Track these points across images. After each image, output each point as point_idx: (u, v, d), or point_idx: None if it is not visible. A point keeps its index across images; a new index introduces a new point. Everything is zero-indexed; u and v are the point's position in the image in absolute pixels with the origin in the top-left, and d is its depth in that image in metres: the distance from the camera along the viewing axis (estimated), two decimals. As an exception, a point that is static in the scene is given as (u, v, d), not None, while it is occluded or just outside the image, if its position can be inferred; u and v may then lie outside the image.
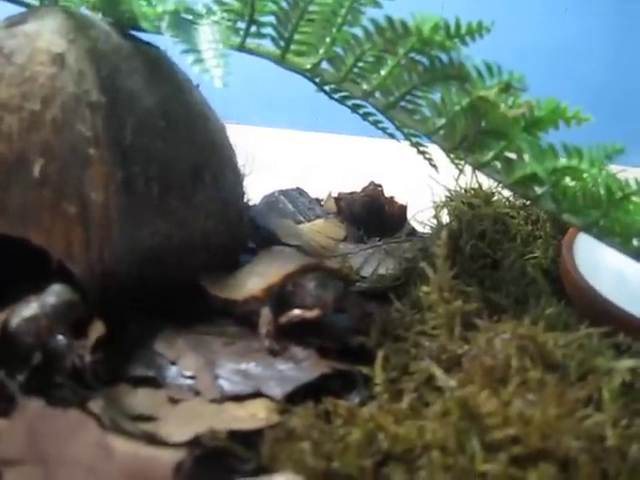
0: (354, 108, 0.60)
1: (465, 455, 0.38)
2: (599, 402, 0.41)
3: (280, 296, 0.51)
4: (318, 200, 0.79)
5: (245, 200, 0.64)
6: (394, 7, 0.52)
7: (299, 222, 0.73)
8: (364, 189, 0.77)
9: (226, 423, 0.42)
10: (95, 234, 0.50)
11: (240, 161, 0.62)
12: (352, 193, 0.77)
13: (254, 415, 0.43)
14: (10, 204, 0.49)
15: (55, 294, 0.45)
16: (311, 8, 0.52)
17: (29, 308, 0.44)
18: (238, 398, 0.45)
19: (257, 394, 0.46)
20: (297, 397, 0.45)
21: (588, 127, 0.49)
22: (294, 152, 1.14)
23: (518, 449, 0.38)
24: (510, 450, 0.38)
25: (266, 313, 0.51)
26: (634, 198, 0.47)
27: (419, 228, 0.71)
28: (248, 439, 0.41)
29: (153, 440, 0.40)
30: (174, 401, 0.45)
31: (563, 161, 0.48)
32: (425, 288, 0.51)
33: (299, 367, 0.48)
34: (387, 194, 0.77)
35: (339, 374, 0.47)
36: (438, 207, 0.65)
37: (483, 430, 0.39)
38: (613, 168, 0.49)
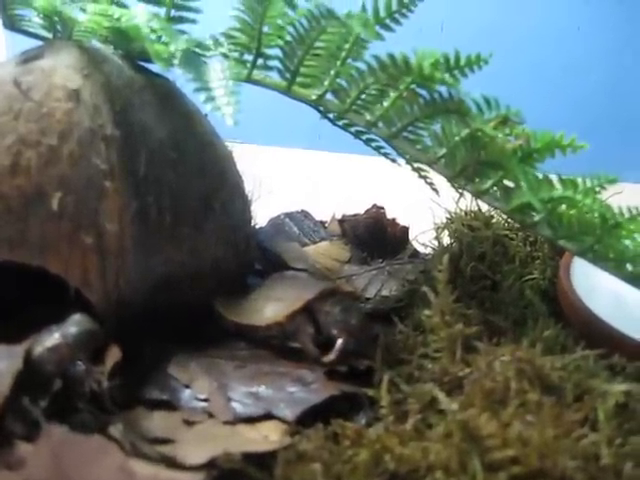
0: (357, 134, 0.61)
1: (467, 475, 0.40)
2: (594, 422, 0.43)
3: (305, 323, 0.53)
4: (322, 222, 0.80)
5: (252, 224, 0.66)
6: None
7: (304, 244, 0.74)
8: (367, 211, 0.78)
9: (240, 445, 0.43)
10: (111, 263, 0.51)
11: (247, 186, 0.64)
12: (355, 215, 0.79)
13: (266, 437, 0.45)
14: (29, 235, 0.51)
15: (76, 324, 0.46)
16: (317, 43, 0.54)
17: (51, 338, 0.45)
18: (250, 420, 0.47)
19: (268, 416, 0.47)
20: (307, 418, 0.46)
21: (594, 142, 0.50)
22: (297, 172, 1.16)
23: (517, 469, 0.39)
24: (510, 470, 0.39)
25: (311, 348, 0.53)
26: (627, 225, 0.49)
27: (421, 249, 0.72)
28: (261, 460, 0.43)
29: (171, 463, 0.42)
30: (189, 423, 0.47)
31: (559, 191, 0.49)
32: (427, 311, 0.53)
33: (308, 389, 0.49)
34: (389, 216, 0.78)
35: (346, 396, 0.49)
36: (439, 229, 0.66)
37: (484, 451, 0.40)
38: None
